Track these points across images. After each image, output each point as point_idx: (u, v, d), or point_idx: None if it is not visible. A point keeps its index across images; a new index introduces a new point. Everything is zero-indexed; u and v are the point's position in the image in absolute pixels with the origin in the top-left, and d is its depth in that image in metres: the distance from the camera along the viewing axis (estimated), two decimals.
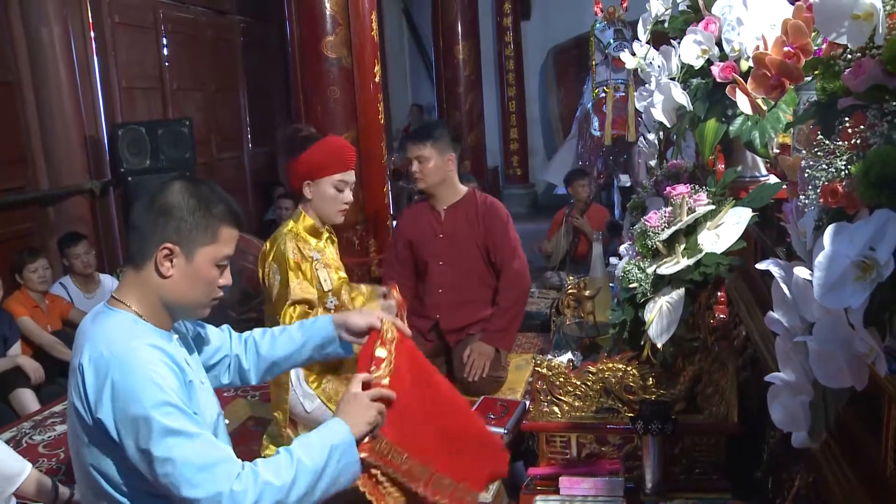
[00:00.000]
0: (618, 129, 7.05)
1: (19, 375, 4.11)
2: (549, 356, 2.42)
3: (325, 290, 2.76)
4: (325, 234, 2.93)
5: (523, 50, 10.23)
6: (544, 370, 2.07)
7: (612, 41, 7.29)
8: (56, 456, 3.48)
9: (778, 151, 2.05)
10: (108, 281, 5.29)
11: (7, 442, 3.60)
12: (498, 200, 3.44)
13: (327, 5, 4.36)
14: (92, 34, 5.79)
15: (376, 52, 4.49)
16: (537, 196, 10.50)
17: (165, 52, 6.61)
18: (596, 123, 7.48)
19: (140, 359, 1.51)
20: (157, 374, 1.50)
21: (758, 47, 1.25)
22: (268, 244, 2.82)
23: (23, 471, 2.81)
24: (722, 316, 2.24)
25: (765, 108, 1.37)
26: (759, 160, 2.23)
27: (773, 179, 2.18)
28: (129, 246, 1.67)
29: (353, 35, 4.38)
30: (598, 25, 7.47)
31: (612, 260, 2.78)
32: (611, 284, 2.78)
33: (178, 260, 1.62)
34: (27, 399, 4.03)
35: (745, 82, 1.92)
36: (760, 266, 1.19)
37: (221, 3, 7.56)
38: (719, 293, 2.26)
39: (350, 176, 2.89)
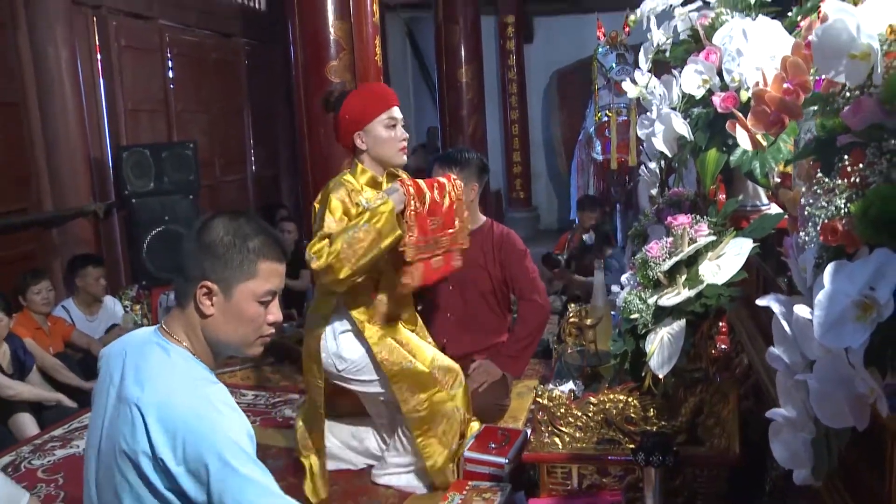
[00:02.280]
0: (621, 154, 7.07)
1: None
2: (551, 385, 2.40)
3: None
4: (382, 186, 2.90)
5: (526, 73, 10.27)
6: (545, 401, 2.06)
7: (614, 65, 7.33)
8: (55, 481, 3.45)
9: (779, 181, 2.06)
10: (110, 303, 5.30)
11: (6, 467, 3.59)
12: (514, 232, 3.45)
13: (331, 30, 4.37)
14: (98, 56, 5.83)
15: (380, 77, 4.50)
16: (540, 219, 10.51)
17: (171, 74, 6.65)
18: (598, 147, 7.51)
19: (210, 405, 1.50)
20: (228, 420, 1.50)
21: (757, 83, 1.25)
22: (321, 192, 2.86)
23: (20, 500, 2.80)
24: (723, 346, 2.23)
25: (765, 143, 1.37)
26: (760, 189, 2.23)
27: (774, 208, 2.18)
28: (175, 284, 1.67)
29: (356, 60, 4.39)
30: (600, 50, 7.52)
31: (614, 288, 2.77)
32: (612, 313, 2.77)
33: (216, 298, 1.60)
34: (26, 423, 4.02)
35: (747, 113, 1.94)
36: (761, 302, 1.18)
37: (226, 26, 7.60)
38: (721, 323, 2.25)
39: (396, 112, 2.87)
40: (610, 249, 5.09)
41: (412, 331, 3.00)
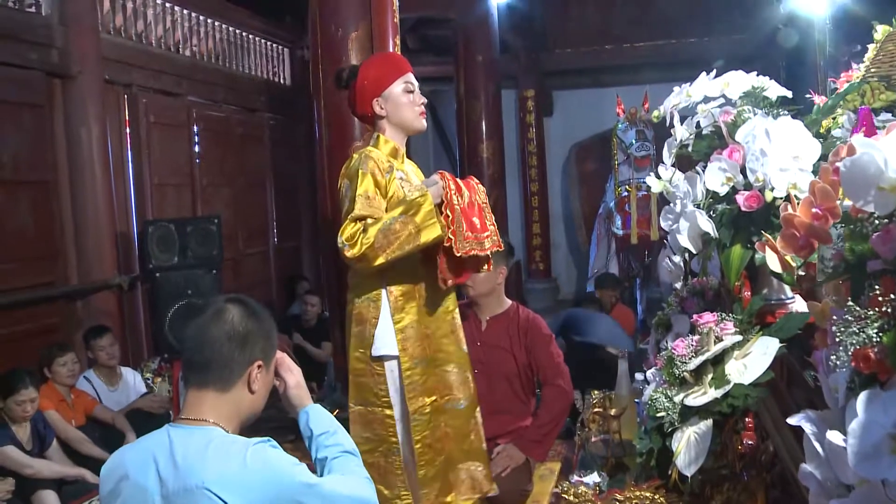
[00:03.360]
0: (641, 228, 7.11)
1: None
2: (575, 476, 2.39)
3: None
4: (403, 158, 2.85)
5: (546, 146, 10.40)
6: (571, 497, 2.05)
7: (634, 141, 7.42)
8: None
9: (802, 274, 2.07)
10: (130, 375, 5.31)
11: None
12: (539, 317, 3.45)
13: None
14: (128, 133, 5.98)
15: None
16: (559, 290, 10.51)
17: (196, 149, 6.79)
18: (619, 222, 7.57)
19: (268, 458, 1.61)
20: (288, 461, 1.63)
21: (786, 206, 1.28)
22: (344, 167, 2.76)
23: None
24: (749, 441, 2.21)
25: (794, 265, 1.39)
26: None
27: (798, 301, 2.18)
28: (210, 373, 1.70)
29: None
30: (620, 126, 7.62)
31: (638, 376, 2.77)
32: (636, 400, 2.76)
33: (261, 373, 1.73)
34: (49, 500, 4.01)
35: (770, 214, 1.96)
36: (792, 421, 1.19)
37: (251, 101, 7.79)
38: (746, 419, 2.24)
39: (412, 77, 2.80)
40: None
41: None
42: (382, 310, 2.72)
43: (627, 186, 7.43)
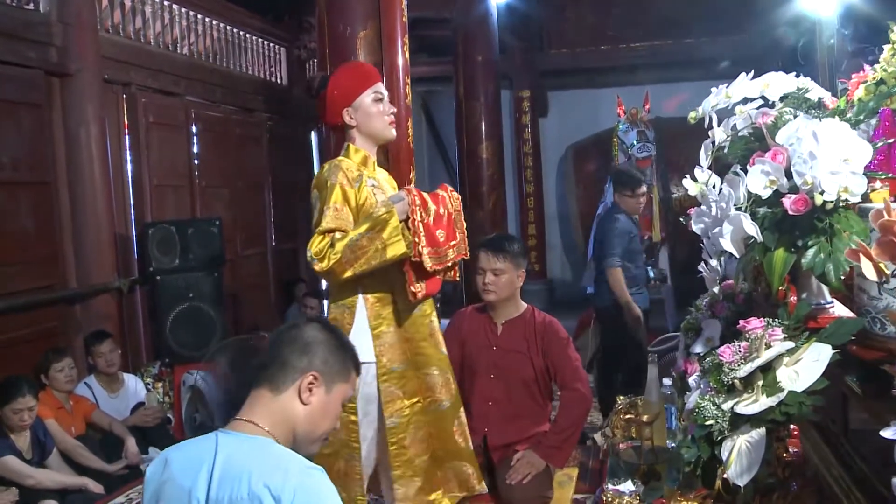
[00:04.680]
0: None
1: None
2: (609, 486, 2.34)
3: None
4: (374, 166, 2.92)
5: (541, 147, 10.37)
6: None
7: (635, 142, 7.40)
8: None
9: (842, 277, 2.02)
10: (131, 381, 5.23)
11: None
12: (556, 320, 3.40)
13: None
14: (126, 133, 5.88)
15: (412, 159, 4.52)
16: (554, 292, 10.48)
17: (195, 150, 6.70)
18: None
19: (325, 479, 1.60)
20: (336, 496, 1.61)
21: (881, 213, 1.23)
22: (315, 177, 2.81)
23: None
24: (795, 450, 2.17)
25: (888, 272, 1.35)
26: (824, 287, 2.19)
27: (837, 306, 2.14)
28: (267, 370, 1.72)
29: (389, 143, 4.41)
30: (621, 126, 7.61)
31: (666, 381, 2.72)
32: (665, 405, 2.71)
33: (318, 390, 1.71)
34: None
35: (820, 216, 1.92)
36: (887, 434, 1.14)
37: (249, 101, 7.72)
38: (791, 426, 2.19)
39: (381, 88, 2.86)
40: None
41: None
42: (358, 316, 2.79)
43: None
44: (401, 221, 2.67)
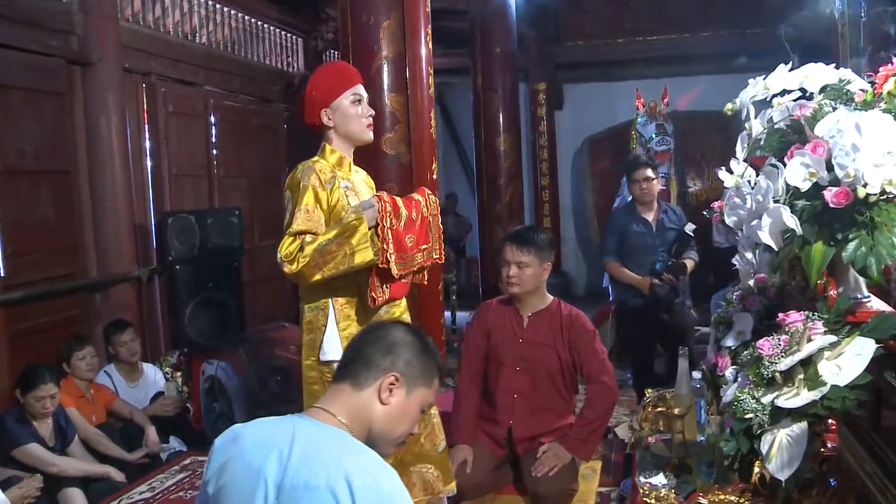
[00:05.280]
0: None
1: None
2: (641, 478, 2.33)
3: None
4: (351, 167, 2.94)
5: (557, 140, 10.33)
6: (653, 500, 1.99)
7: (654, 135, 7.36)
8: None
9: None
10: (150, 371, 5.25)
11: None
12: (583, 313, 3.38)
13: (387, 102, 4.39)
14: (146, 123, 5.89)
15: (434, 150, 4.51)
16: (569, 284, 10.46)
17: (214, 139, 6.70)
18: None
19: (398, 481, 1.56)
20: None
21: None
22: (289, 178, 2.83)
23: None
24: (832, 444, 2.15)
25: None
26: (862, 281, 2.18)
27: (874, 301, 2.13)
28: (350, 367, 1.74)
29: (412, 132, 4.40)
30: (639, 120, 7.57)
31: (696, 374, 2.71)
32: (696, 399, 2.70)
33: (398, 391, 1.72)
34: (76, 498, 3.95)
35: (855, 209, 1.90)
36: None
37: (267, 91, 7.71)
38: (830, 420, 2.18)
39: (361, 89, 2.88)
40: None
41: None
42: (329, 318, 2.81)
43: None
44: (370, 228, 2.69)
